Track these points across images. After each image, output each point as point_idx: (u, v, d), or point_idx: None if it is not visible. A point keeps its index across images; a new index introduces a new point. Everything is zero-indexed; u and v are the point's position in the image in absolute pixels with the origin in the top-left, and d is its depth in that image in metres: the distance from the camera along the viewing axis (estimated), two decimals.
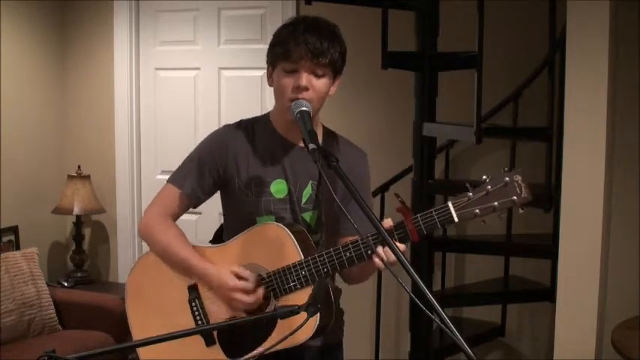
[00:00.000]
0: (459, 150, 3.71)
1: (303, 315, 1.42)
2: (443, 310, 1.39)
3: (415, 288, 1.45)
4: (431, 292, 1.43)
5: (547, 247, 3.11)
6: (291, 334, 1.39)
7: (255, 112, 2.04)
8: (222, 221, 2.07)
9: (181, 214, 1.99)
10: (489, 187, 1.64)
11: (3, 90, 4.00)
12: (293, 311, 1.42)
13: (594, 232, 2.66)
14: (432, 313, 1.38)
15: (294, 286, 1.80)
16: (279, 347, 1.77)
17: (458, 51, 3.09)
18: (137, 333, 1.99)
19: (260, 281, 1.84)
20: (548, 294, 3.23)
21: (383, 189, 3.64)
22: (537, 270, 3.53)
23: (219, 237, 2.08)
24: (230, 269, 1.85)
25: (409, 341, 3.34)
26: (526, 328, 3.72)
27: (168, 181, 1.98)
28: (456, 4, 3.38)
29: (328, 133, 2.00)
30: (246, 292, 1.82)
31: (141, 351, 1.96)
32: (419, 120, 3.16)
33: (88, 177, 4.25)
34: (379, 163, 3.79)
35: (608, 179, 2.78)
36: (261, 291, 1.83)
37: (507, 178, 1.64)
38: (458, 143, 3.64)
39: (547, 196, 2.85)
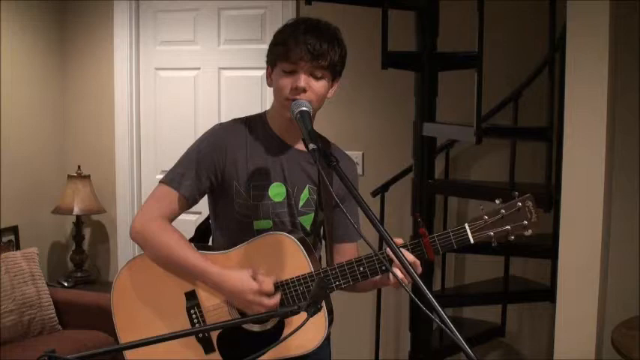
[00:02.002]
0: (459, 150, 3.71)
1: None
2: (443, 310, 1.39)
3: (415, 288, 1.45)
4: (431, 292, 1.43)
5: (547, 247, 3.11)
6: (292, 333, 1.38)
7: (255, 112, 2.03)
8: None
9: (177, 217, 1.92)
10: (503, 211, 1.72)
11: (3, 90, 4.00)
12: (293, 311, 1.42)
13: (594, 232, 2.66)
14: (432, 313, 1.38)
15: (304, 296, 1.79)
16: (285, 355, 1.78)
17: (458, 51, 3.09)
18: (127, 340, 1.91)
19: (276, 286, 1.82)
20: (548, 294, 3.23)
21: (383, 189, 3.64)
22: (537, 270, 3.53)
23: (201, 233, 2.04)
24: (249, 272, 1.80)
25: (409, 341, 3.34)
26: (526, 328, 3.72)
27: (164, 182, 1.91)
28: (456, 4, 3.38)
29: (321, 139, 1.98)
30: (268, 295, 1.79)
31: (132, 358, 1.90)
32: (419, 120, 3.16)
33: (88, 177, 4.25)
34: (379, 163, 3.82)
35: (608, 179, 2.78)
36: (278, 295, 1.80)
37: (520, 204, 1.72)
38: (458, 143, 3.64)
39: (547, 196, 2.85)
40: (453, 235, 1.73)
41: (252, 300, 1.78)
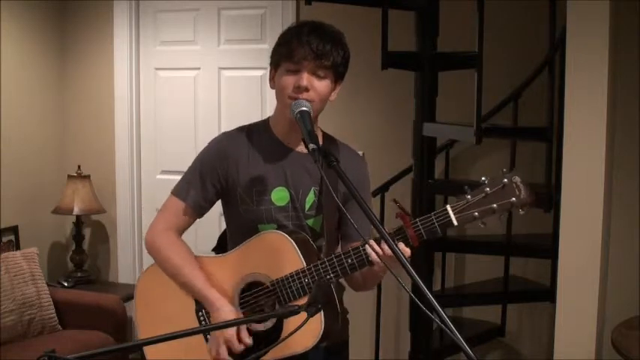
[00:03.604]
0: (459, 150, 3.71)
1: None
2: (443, 310, 1.38)
3: (415, 288, 1.45)
4: (431, 292, 1.43)
5: (547, 247, 3.11)
6: (292, 333, 1.38)
7: (255, 112, 2.04)
8: (224, 225, 2.05)
9: (188, 227, 1.97)
10: (487, 189, 1.64)
11: (3, 90, 4.00)
12: (293, 311, 1.42)
13: (594, 232, 2.66)
14: (432, 313, 1.37)
15: (298, 293, 1.80)
16: (281, 354, 1.78)
17: (458, 51, 3.09)
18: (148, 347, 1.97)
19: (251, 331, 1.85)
20: (548, 294, 3.23)
21: (383, 189, 3.64)
22: (537, 270, 3.54)
23: (223, 242, 2.07)
24: (234, 313, 1.84)
25: (409, 341, 3.34)
26: (526, 328, 3.72)
27: (172, 193, 1.97)
28: (456, 4, 3.38)
29: (327, 138, 1.99)
30: (232, 346, 1.83)
31: (149, 357, 1.96)
32: (419, 120, 3.16)
33: (88, 177, 4.25)
34: (379, 163, 3.81)
35: (608, 179, 2.79)
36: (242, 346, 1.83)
37: (506, 180, 1.63)
38: (458, 143, 3.64)
39: (547, 196, 2.85)
40: (435, 218, 1.67)
41: (219, 341, 1.83)
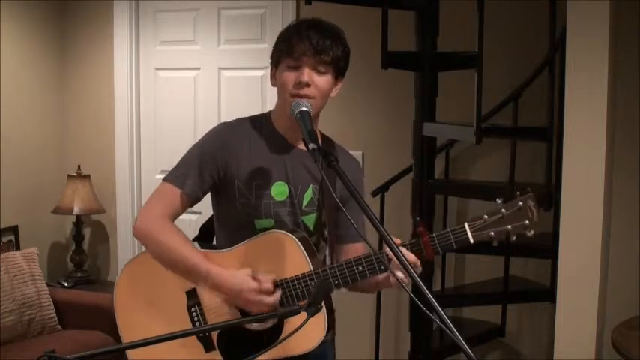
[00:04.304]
0: (459, 150, 3.71)
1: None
2: (443, 310, 1.38)
3: (415, 288, 1.45)
4: (431, 292, 1.43)
5: (547, 247, 3.11)
6: (291, 334, 1.38)
7: (255, 112, 2.03)
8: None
9: (180, 215, 1.92)
10: (504, 210, 1.70)
11: (3, 90, 4.00)
12: (293, 311, 1.42)
13: (594, 232, 2.66)
14: (432, 313, 1.38)
15: (303, 295, 1.79)
16: (284, 354, 1.78)
17: (458, 51, 3.09)
18: (130, 339, 1.94)
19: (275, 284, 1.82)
20: (548, 294, 3.23)
21: (383, 189, 3.64)
22: (537, 270, 3.53)
23: (206, 232, 2.05)
24: (248, 271, 1.81)
25: (409, 341, 3.34)
26: (526, 328, 3.72)
27: (167, 180, 1.91)
28: (456, 4, 3.38)
29: (325, 140, 1.99)
30: (268, 293, 1.79)
31: (135, 356, 1.91)
32: (419, 120, 3.16)
33: (88, 177, 4.25)
34: (379, 163, 3.82)
35: (608, 179, 2.79)
36: (279, 292, 1.80)
37: (521, 203, 1.70)
38: (458, 143, 3.64)
39: (547, 195, 2.85)
40: (452, 234, 1.72)
41: (252, 299, 1.78)
